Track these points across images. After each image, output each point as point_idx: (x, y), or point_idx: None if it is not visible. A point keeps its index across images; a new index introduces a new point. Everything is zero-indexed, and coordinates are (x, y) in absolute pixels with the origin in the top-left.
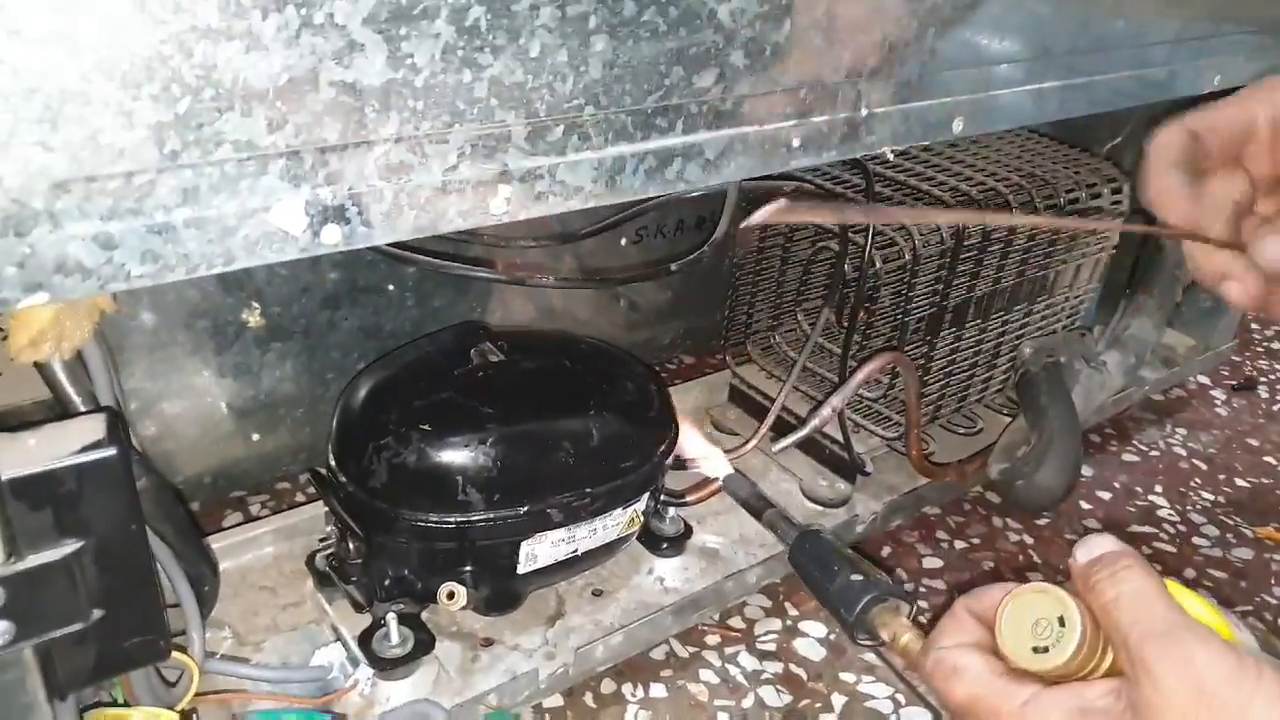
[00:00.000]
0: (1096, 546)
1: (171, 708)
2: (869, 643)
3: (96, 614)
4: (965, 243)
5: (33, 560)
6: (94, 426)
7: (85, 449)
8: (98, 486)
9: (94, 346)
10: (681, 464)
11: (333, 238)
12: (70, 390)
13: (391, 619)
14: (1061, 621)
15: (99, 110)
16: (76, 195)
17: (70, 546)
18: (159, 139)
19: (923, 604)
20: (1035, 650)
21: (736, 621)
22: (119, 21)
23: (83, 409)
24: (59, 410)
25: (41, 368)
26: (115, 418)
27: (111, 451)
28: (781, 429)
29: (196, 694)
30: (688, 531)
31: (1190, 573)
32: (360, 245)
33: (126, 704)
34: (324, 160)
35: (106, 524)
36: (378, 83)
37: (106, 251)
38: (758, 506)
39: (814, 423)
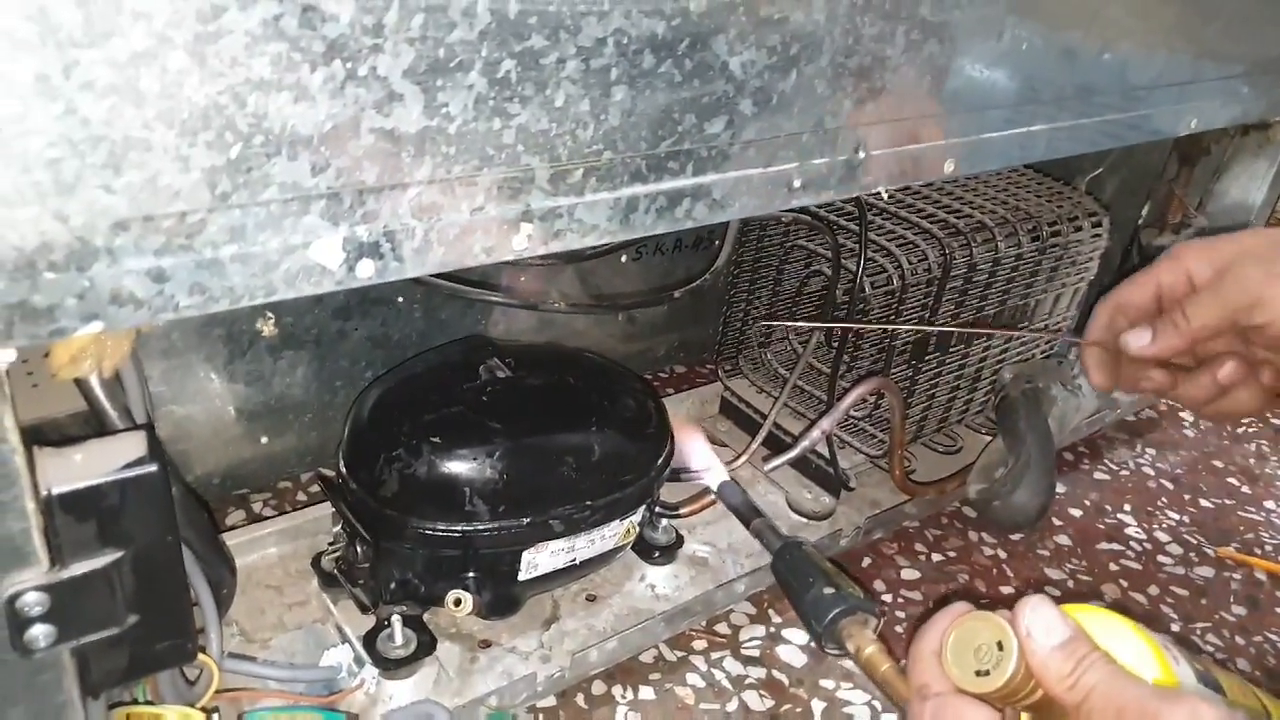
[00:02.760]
0: (1053, 629)
1: (194, 705)
2: (836, 652)
3: (131, 619)
4: (952, 273)
5: (76, 569)
6: (136, 443)
7: (128, 465)
8: (139, 500)
9: (130, 365)
10: (677, 475)
11: (366, 271)
12: (107, 405)
13: (396, 621)
14: (1000, 646)
15: (158, 156)
16: (134, 233)
17: (110, 556)
18: (211, 182)
19: (900, 614)
20: (977, 673)
21: (722, 627)
22: (180, 74)
23: (118, 423)
24: (95, 424)
25: (80, 383)
26: (154, 434)
27: (153, 468)
28: (771, 444)
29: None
30: (679, 540)
31: (1154, 589)
32: (392, 278)
33: (151, 702)
34: (361, 200)
35: (145, 535)
36: (414, 130)
37: (158, 284)
38: (747, 515)
39: (804, 444)
